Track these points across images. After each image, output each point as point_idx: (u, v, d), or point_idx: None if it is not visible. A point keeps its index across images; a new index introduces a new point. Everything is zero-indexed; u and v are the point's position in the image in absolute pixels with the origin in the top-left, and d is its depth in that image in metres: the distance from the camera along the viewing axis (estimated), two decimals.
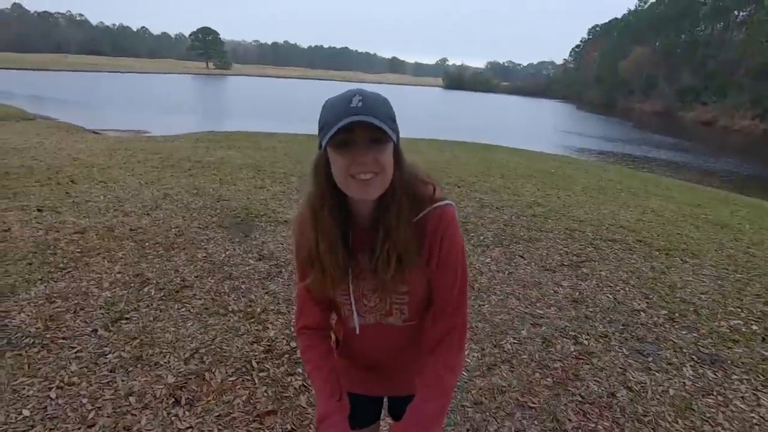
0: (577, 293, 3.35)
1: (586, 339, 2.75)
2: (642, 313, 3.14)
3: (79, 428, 1.80)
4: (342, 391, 0.98)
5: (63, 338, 2.35)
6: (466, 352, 2.37)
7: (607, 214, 5.55)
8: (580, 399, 2.22)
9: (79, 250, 3.37)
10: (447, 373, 0.93)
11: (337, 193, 0.86)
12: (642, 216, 5.64)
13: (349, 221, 0.91)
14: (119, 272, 3.09)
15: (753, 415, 2.21)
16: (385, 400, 1.21)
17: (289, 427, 1.92)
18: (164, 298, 2.83)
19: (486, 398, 2.17)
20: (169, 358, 2.27)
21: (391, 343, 1.03)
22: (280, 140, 9.92)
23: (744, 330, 3.02)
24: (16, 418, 1.82)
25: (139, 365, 2.20)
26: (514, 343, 2.66)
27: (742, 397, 2.33)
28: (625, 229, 4.98)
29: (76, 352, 2.25)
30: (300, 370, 2.26)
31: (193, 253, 3.50)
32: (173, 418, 1.89)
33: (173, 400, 1.99)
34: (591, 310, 3.12)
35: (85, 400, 1.94)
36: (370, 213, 0.89)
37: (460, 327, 0.95)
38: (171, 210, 4.43)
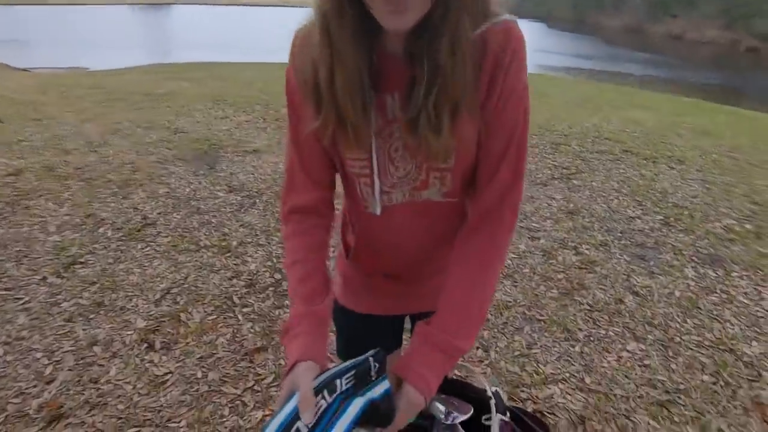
0: (572, 205, 3.20)
1: (586, 249, 2.63)
2: (638, 219, 3.05)
3: (35, 386, 1.55)
4: (326, 296, 0.70)
5: (5, 289, 2.02)
6: None
7: (591, 127, 5.36)
8: (588, 307, 2.12)
9: (15, 193, 2.91)
10: (494, 258, 0.67)
11: None
12: (625, 127, 5.49)
13: (373, 41, 0.59)
14: (67, 214, 2.70)
15: (757, 308, 2.18)
16: (407, 322, 0.97)
17: (282, 363, 1.73)
18: (124, 238, 2.49)
19: (492, 315, 2.04)
20: (137, 301, 2.00)
21: (426, 229, 0.73)
22: (238, 69, 9.04)
23: (738, 229, 2.98)
24: None
25: (101, 312, 1.92)
26: (513, 258, 2.51)
27: (745, 293, 2.30)
28: (610, 140, 4.83)
29: (23, 304, 1.94)
30: (287, 303, 2.04)
31: (153, 189, 3.10)
32: (148, 364, 1.66)
33: (146, 345, 1.75)
34: (587, 220, 2.99)
35: (39, 355, 1.67)
36: (408, 33, 0.57)
37: (513, 196, 0.66)
38: (122, 146, 3.92)
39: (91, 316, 1.89)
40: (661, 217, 3.08)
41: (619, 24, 39.30)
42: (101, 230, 2.55)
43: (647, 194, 3.45)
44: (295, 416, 0.53)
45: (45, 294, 2.00)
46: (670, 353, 1.87)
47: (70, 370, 1.62)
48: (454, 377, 0.89)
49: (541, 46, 21.63)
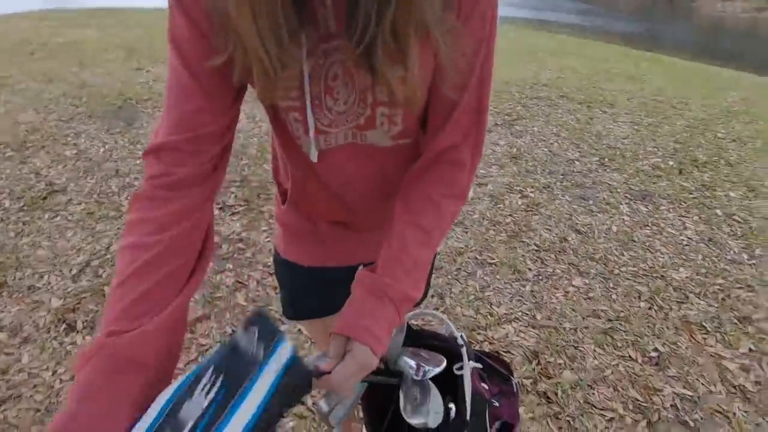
0: (515, 150, 3.23)
1: (531, 192, 2.68)
2: (576, 162, 3.14)
3: None
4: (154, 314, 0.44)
5: None
6: None
7: (529, 74, 5.42)
8: (536, 248, 2.17)
9: None
10: (449, 202, 0.57)
11: None
12: (561, 73, 5.61)
13: None
14: None
15: (682, 238, 2.35)
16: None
17: (228, 330, 1.60)
18: (26, 208, 2.15)
19: (446, 262, 2.02)
20: (49, 278, 1.74)
21: (372, 176, 0.62)
22: (153, 15, 8.03)
23: (663, 166, 3.17)
24: None
25: (4, 293, 1.65)
26: None
27: (672, 224, 2.46)
28: (547, 86, 4.92)
29: None
30: (230, 266, 1.88)
31: (57, 151, 2.70)
32: (69, 347, 1.46)
33: (65, 325, 1.54)
34: (531, 164, 3.04)
35: None
36: None
37: (474, 134, 0.56)
38: (15, 102, 3.35)
39: None
40: (597, 158, 3.20)
41: None
42: None
43: (583, 137, 3.56)
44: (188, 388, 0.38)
45: None
46: (611, 285, 1.97)
47: None
48: (419, 327, 0.82)
49: None
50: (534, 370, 1.52)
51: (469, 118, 0.55)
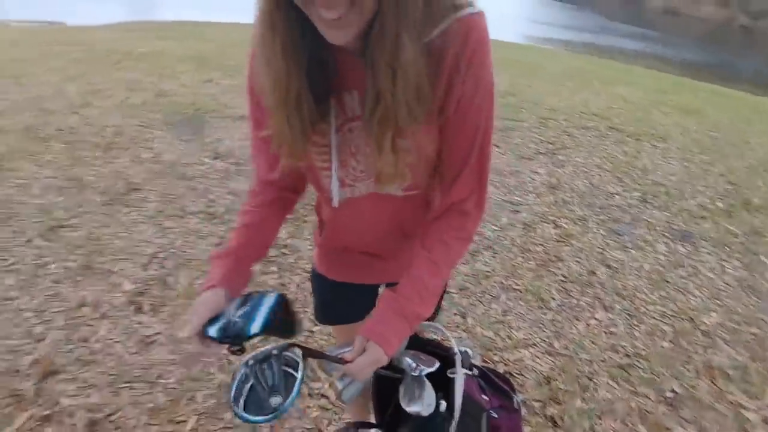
0: (554, 179, 3.28)
1: (565, 223, 2.72)
2: (617, 196, 3.14)
3: (27, 343, 1.60)
4: (256, 251, 0.76)
5: None
6: None
7: (579, 102, 5.39)
8: (563, 278, 2.23)
9: None
10: (456, 243, 0.71)
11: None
12: (613, 103, 5.54)
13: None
14: (50, 177, 2.67)
15: (719, 282, 2.32)
16: (381, 287, 1.04)
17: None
18: (109, 202, 2.49)
19: (471, 283, 2.13)
20: (124, 264, 2.03)
21: (390, 219, 0.79)
22: (224, 29, 8.72)
23: (710, 207, 3.10)
24: None
25: (88, 274, 1.95)
26: (495, 230, 2.59)
27: (710, 268, 2.43)
28: (597, 116, 4.88)
29: (10, 265, 1.96)
30: (275, 269, 2.10)
31: (137, 153, 3.07)
32: (136, 325, 1.72)
33: (134, 307, 1.80)
34: (568, 195, 3.07)
35: (29, 314, 1.71)
36: (359, 36, 0.56)
37: (477, 191, 0.70)
38: (104, 107, 3.82)
39: (79, 279, 1.92)
40: (639, 194, 3.18)
41: None
42: (86, 194, 2.54)
43: (628, 171, 3.54)
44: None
45: (32, 256, 2.02)
46: (635, 322, 1.99)
47: (60, 329, 1.67)
48: (427, 338, 0.96)
49: (533, 17, 21.22)
50: (545, 394, 1.60)
51: (473, 179, 0.69)
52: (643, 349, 1.84)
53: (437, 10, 0.57)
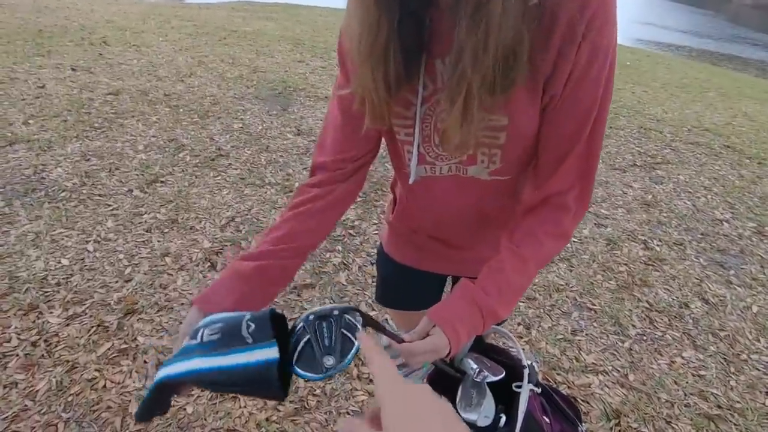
0: (650, 196, 2.95)
1: (657, 245, 2.44)
2: (725, 223, 2.75)
3: (117, 281, 1.76)
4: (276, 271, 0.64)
5: (99, 195, 2.27)
6: None
7: (691, 115, 4.81)
8: (647, 306, 1.99)
9: (113, 111, 3.20)
10: (549, 240, 0.62)
11: None
12: (732, 119, 4.87)
13: None
14: (154, 136, 2.93)
15: None
16: (449, 281, 0.97)
17: (327, 301, 1.82)
18: (199, 164, 2.67)
19: (540, 294, 1.98)
20: (205, 223, 2.17)
21: (470, 205, 0.70)
22: (320, 14, 9.02)
23: None
24: (55, 265, 1.79)
25: (174, 228, 2.11)
26: (574, 241, 2.39)
27: None
28: (710, 132, 4.32)
29: (112, 210, 2.17)
30: (340, 248, 2.11)
31: (228, 122, 3.27)
32: (209, 281, 1.82)
33: (209, 264, 1.91)
34: (665, 215, 2.75)
35: (121, 256, 1.89)
36: None
37: (582, 183, 0.60)
38: (206, 78, 4.12)
39: (166, 230, 2.09)
40: (754, 225, 2.75)
41: (750, 1, 33.76)
42: (181, 155, 2.75)
43: (743, 197, 3.08)
44: (214, 323, 0.51)
45: (130, 205, 2.23)
46: (732, 369, 1.73)
47: (145, 274, 1.82)
48: (491, 343, 0.88)
49: (648, 18, 19.30)
50: (611, 429, 1.44)
51: (578, 168, 0.60)
52: (739, 402, 1.59)
53: None
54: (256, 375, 0.46)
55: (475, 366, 0.64)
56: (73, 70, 3.91)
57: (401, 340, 0.56)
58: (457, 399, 0.62)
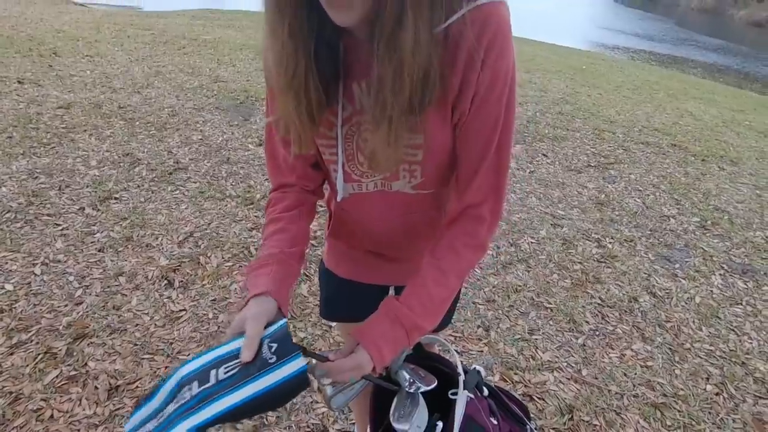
0: (603, 195, 3.09)
1: (609, 242, 2.55)
2: (672, 219, 2.91)
3: (66, 305, 1.70)
4: (299, 247, 0.70)
5: (47, 215, 2.18)
6: None
7: (641, 116, 5.06)
8: (600, 302, 2.09)
9: (63, 125, 3.08)
10: (467, 251, 0.66)
11: None
12: (679, 119, 5.15)
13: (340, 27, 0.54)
14: (108, 151, 2.84)
15: None
16: (391, 290, 0.99)
17: (289, 316, 1.81)
18: (156, 179, 2.61)
19: (499, 296, 2.04)
20: (162, 240, 2.12)
21: (398, 218, 0.73)
22: None
23: None
24: None
25: (129, 246, 2.05)
26: (531, 243, 2.47)
27: None
28: (659, 131, 4.56)
29: (61, 230, 2.10)
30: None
31: (187, 134, 3.21)
32: (166, 300, 1.78)
33: (166, 282, 1.87)
34: (617, 213, 2.88)
35: (71, 278, 1.82)
36: (367, 22, 0.52)
37: (493, 195, 0.65)
38: (164, 89, 4.03)
39: (120, 249, 2.03)
40: (698, 219, 2.92)
41: (696, 5, 35.81)
42: (136, 169, 2.68)
43: (688, 193, 3.27)
44: (222, 360, 0.52)
45: (81, 223, 2.16)
46: (677, 358, 1.83)
47: (97, 295, 1.77)
48: (434, 353, 0.91)
49: (603, 23, 20.16)
50: (565, 424, 1.50)
51: (489, 182, 0.64)
52: (683, 390, 1.68)
53: None
54: (289, 388, 0.51)
55: (408, 377, 0.66)
56: (19, 83, 3.74)
57: (326, 359, 0.58)
58: (391, 411, 0.64)
